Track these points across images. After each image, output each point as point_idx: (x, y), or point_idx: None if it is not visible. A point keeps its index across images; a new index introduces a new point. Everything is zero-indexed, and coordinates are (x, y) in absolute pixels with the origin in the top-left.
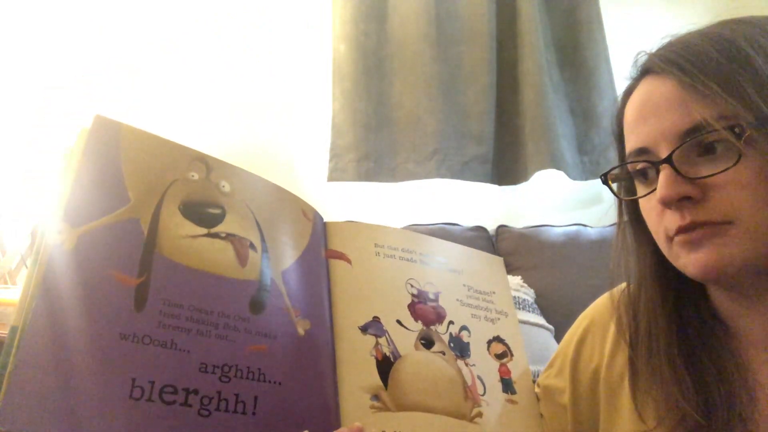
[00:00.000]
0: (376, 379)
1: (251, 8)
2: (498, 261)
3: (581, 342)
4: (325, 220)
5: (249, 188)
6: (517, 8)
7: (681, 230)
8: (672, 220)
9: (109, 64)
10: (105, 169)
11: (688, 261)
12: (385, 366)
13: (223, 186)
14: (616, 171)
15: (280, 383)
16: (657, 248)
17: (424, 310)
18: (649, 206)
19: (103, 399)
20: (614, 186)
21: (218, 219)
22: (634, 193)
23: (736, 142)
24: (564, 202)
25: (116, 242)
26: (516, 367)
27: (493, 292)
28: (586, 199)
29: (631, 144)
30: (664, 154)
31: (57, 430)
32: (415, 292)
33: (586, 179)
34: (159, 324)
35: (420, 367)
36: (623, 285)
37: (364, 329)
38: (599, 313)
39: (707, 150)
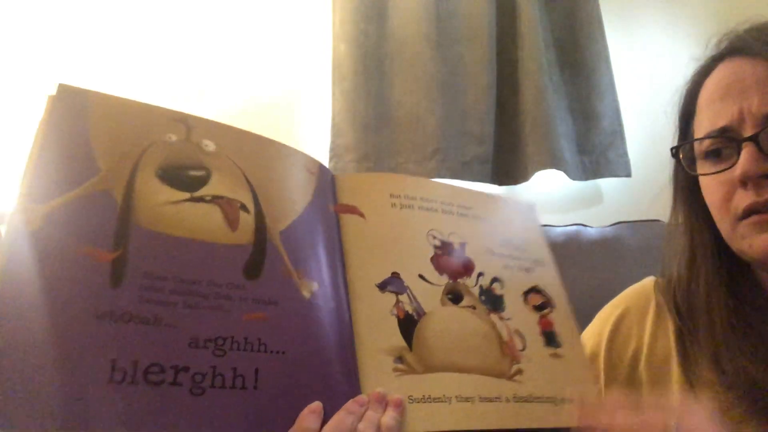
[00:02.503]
0: (399, 340)
1: (250, 8)
2: (530, 207)
3: (615, 329)
4: None
5: (237, 145)
6: (517, 8)
7: (754, 208)
8: (744, 198)
9: (107, 65)
10: (71, 139)
11: (758, 241)
12: (409, 325)
13: (206, 145)
14: (687, 147)
15: (284, 352)
16: (713, 228)
17: (450, 263)
18: (716, 184)
19: (81, 384)
20: (694, 163)
21: (202, 181)
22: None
23: None
24: (564, 202)
25: (87, 216)
26: (559, 318)
27: (526, 241)
28: (586, 199)
29: (709, 121)
30: (747, 133)
31: (32, 419)
32: (437, 243)
33: (586, 179)
34: (140, 299)
35: (448, 323)
36: (650, 278)
37: (382, 287)
38: (634, 299)
39: None
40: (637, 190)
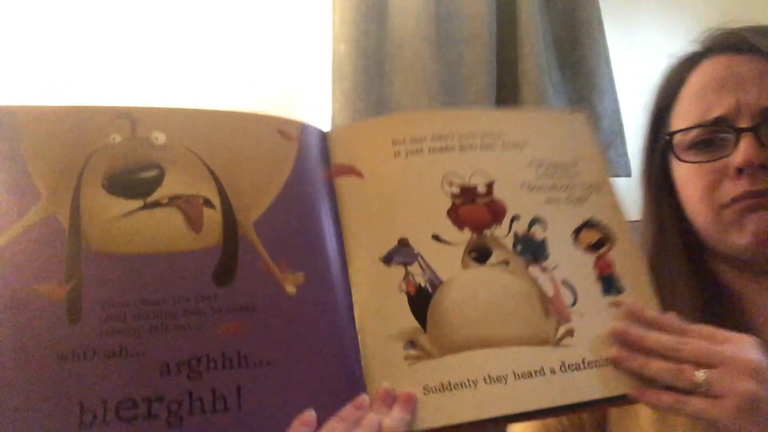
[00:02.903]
0: (410, 321)
1: (250, 8)
2: (579, 117)
3: None
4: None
5: (193, 130)
6: (517, 8)
7: (746, 196)
8: (734, 187)
9: (105, 65)
10: (3, 166)
11: (749, 222)
12: (422, 301)
13: (156, 138)
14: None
15: (269, 362)
16: (681, 224)
17: (473, 212)
18: (702, 173)
19: None
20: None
21: (155, 183)
22: (664, 164)
23: None
24: None
25: (34, 250)
26: (620, 257)
27: (578, 161)
28: None
29: (700, 112)
30: (744, 125)
31: None
32: (456, 191)
33: None
34: (102, 332)
35: (472, 290)
36: None
37: (387, 260)
38: None
39: None
40: (637, 190)
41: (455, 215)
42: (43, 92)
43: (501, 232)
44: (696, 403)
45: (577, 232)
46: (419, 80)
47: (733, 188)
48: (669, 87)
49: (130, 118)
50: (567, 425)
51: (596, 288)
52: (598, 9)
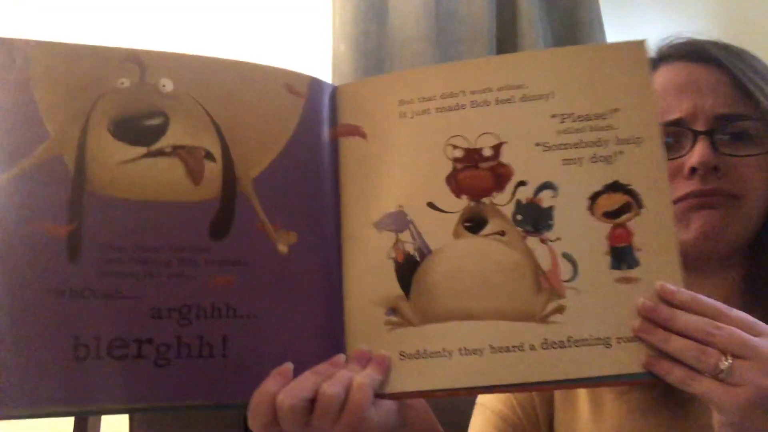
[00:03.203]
0: (395, 288)
1: (250, 8)
2: (633, 50)
3: None
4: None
5: (200, 79)
6: (517, 8)
7: (699, 195)
8: (684, 186)
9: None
10: (14, 102)
11: (695, 218)
12: (409, 268)
13: (164, 86)
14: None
15: (255, 316)
16: None
17: (473, 177)
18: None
19: (45, 363)
20: None
21: (159, 131)
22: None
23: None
24: None
25: (39, 188)
26: (646, 226)
27: (617, 109)
28: None
29: (663, 113)
30: (700, 128)
31: None
32: (459, 154)
33: None
34: (99, 273)
35: (460, 261)
36: None
37: (379, 225)
38: None
39: (738, 137)
40: None
41: (454, 181)
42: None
43: (502, 199)
44: (707, 384)
45: (595, 197)
46: None
47: (684, 187)
48: None
49: (139, 62)
50: (522, 416)
51: (604, 261)
52: (598, 9)
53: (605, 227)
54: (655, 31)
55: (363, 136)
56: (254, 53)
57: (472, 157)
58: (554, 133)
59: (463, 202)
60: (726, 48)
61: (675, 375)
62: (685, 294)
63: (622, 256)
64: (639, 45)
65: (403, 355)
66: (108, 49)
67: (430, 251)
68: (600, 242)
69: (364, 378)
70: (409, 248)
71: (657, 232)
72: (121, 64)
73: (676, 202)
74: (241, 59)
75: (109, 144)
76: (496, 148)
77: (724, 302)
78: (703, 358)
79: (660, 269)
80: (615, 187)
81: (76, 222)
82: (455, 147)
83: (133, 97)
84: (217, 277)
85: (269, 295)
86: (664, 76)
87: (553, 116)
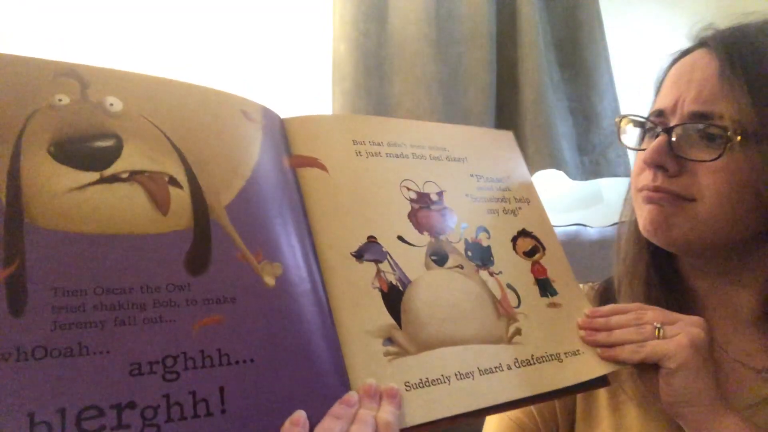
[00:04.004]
0: (386, 317)
1: (250, 8)
2: (506, 136)
3: None
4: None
5: (152, 99)
6: (517, 8)
7: (647, 189)
8: (645, 178)
9: (106, 61)
10: None
11: (644, 211)
12: (394, 298)
13: (111, 104)
14: (637, 119)
15: (252, 360)
16: None
17: (429, 217)
18: (637, 161)
19: None
20: (625, 133)
21: (111, 154)
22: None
23: (725, 140)
24: (564, 202)
25: None
26: (552, 262)
27: (508, 177)
28: (586, 199)
29: (656, 103)
30: (674, 122)
31: None
32: (413, 196)
33: (586, 179)
34: (54, 326)
35: (436, 290)
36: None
37: (359, 255)
38: None
39: (705, 137)
40: None
41: (415, 219)
42: None
43: (454, 237)
44: (651, 345)
45: (515, 240)
46: (419, 80)
47: (644, 178)
48: (659, 80)
49: (78, 77)
50: (540, 424)
51: (534, 291)
52: (598, 9)
53: (527, 263)
54: (654, 31)
55: (323, 168)
56: (254, 53)
57: (424, 200)
58: (475, 188)
59: (426, 237)
60: (739, 37)
61: (626, 350)
62: (606, 307)
63: (545, 286)
64: (508, 133)
65: (408, 386)
66: (39, 61)
67: (409, 281)
68: (528, 275)
69: (388, 415)
70: (391, 278)
71: (560, 268)
72: (56, 79)
73: (638, 191)
74: (190, 82)
75: (51, 168)
76: (440, 195)
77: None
78: (642, 330)
79: (572, 295)
80: (524, 233)
81: (15, 263)
82: (408, 189)
83: (75, 116)
84: (202, 319)
85: (263, 334)
86: (676, 66)
87: (471, 175)
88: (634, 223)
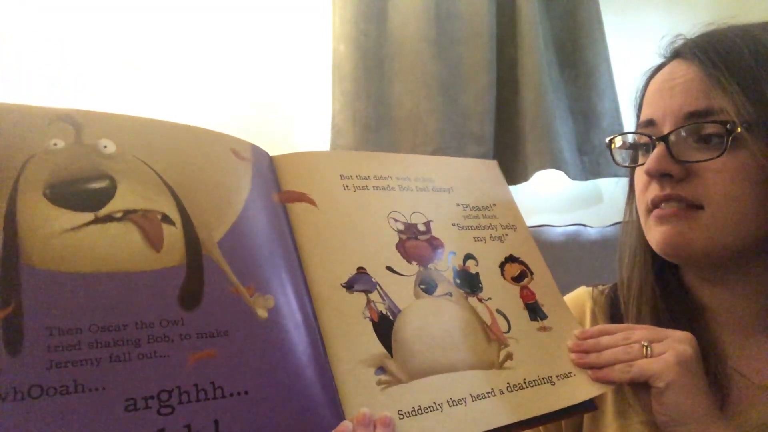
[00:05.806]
0: (378, 347)
1: (250, 8)
2: (491, 165)
3: None
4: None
5: (144, 141)
6: (517, 8)
7: (657, 202)
8: (653, 190)
9: (106, 61)
10: None
11: (656, 234)
12: (385, 327)
13: (105, 147)
14: (626, 138)
15: (246, 392)
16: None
17: (417, 247)
18: (640, 176)
19: None
20: (619, 153)
21: (107, 194)
22: (637, 163)
23: (725, 136)
24: (564, 202)
25: None
26: (540, 287)
27: (494, 205)
28: (586, 199)
29: (643, 116)
30: (665, 131)
31: None
32: (401, 227)
33: (586, 179)
34: (50, 364)
35: (426, 318)
36: (582, 288)
37: (349, 286)
38: (573, 303)
39: (703, 139)
40: None
41: (403, 249)
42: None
43: (442, 265)
44: (640, 363)
45: (502, 266)
46: (419, 80)
47: (652, 190)
48: (640, 91)
49: (72, 122)
50: None
51: (524, 315)
52: (598, 9)
53: (516, 289)
54: (654, 30)
55: (312, 202)
56: (255, 53)
57: (411, 230)
58: (462, 217)
59: (414, 267)
60: (710, 40)
61: (615, 371)
62: (595, 328)
63: (534, 310)
64: (493, 162)
65: (402, 414)
66: (35, 108)
67: (399, 310)
68: (516, 300)
69: None
70: (381, 308)
71: (548, 291)
72: (51, 124)
73: (649, 212)
74: (182, 123)
75: (47, 210)
76: (427, 225)
77: None
78: (630, 350)
79: (561, 318)
80: (512, 258)
81: (11, 304)
82: (396, 220)
83: (70, 159)
84: (196, 353)
85: (257, 366)
86: (654, 80)
87: (458, 205)
88: (639, 229)
